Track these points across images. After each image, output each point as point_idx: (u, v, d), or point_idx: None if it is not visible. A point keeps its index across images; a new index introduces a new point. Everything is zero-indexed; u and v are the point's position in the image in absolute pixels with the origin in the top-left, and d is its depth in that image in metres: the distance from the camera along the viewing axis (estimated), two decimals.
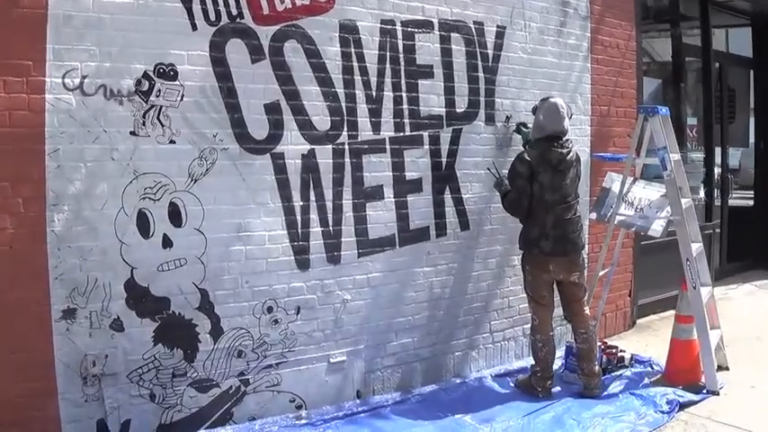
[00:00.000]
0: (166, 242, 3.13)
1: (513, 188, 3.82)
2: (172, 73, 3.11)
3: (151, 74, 3.08)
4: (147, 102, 3.08)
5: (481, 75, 4.36)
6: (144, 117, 3.06)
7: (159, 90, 3.07)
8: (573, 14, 4.75)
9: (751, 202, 7.25)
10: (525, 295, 3.96)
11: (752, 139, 7.55)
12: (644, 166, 4.52)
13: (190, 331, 3.13)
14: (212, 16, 3.22)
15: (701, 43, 6.17)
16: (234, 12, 3.29)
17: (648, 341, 5.06)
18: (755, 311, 5.10)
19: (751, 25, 6.97)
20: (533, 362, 3.98)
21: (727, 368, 4.04)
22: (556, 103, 3.82)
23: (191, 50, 3.15)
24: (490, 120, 4.32)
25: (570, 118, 3.79)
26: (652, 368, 4.36)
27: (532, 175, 3.71)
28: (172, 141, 3.17)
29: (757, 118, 7.29)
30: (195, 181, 3.21)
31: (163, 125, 3.14)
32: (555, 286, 3.93)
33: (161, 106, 3.12)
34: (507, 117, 4.53)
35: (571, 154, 3.78)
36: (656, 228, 4.33)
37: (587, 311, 3.86)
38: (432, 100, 4.00)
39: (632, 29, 5.23)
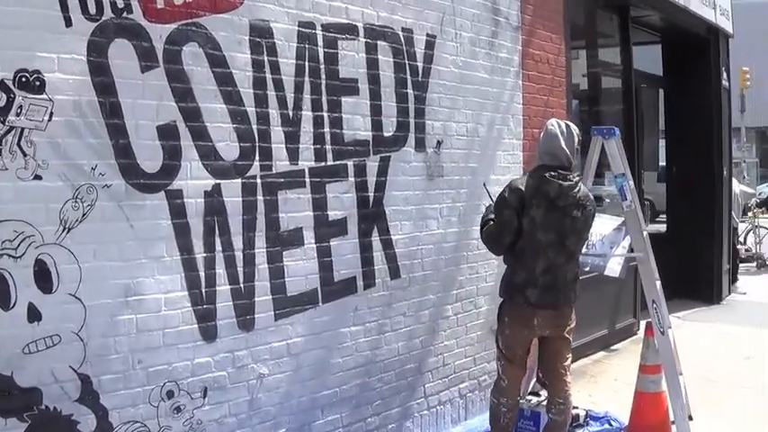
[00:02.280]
0: (33, 314, 2.75)
1: (497, 220, 3.67)
2: (37, 83, 2.68)
3: (9, 84, 2.63)
4: (3, 122, 2.63)
5: (410, 91, 4.40)
6: None
7: (20, 106, 2.63)
8: (504, 24, 4.96)
9: (663, 229, 7.79)
10: (496, 348, 3.83)
11: (661, 162, 8.12)
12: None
13: (69, 430, 2.73)
14: (92, 9, 2.85)
15: (620, 61, 6.55)
16: (120, 3, 2.91)
17: (591, 390, 5.23)
18: (691, 347, 5.41)
19: (661, 42, 7.53)
20: (489, 429, 3.86)
21: (690, 417, 4.16)
22: (554, 124, 3.72)
23: (63, 53, 2.77)
24: (420, 145, 4.38)
25: (578, 145, 3.68)
26: (611, 425, 4.41)
27: (523, 207, 3.58)
28: (37, 177, 2.75)
29: (668, 140, 7.84)
30: (69, 230, 2.84)
31: (25, 154, 2.71)
32: (535, 343, 3.92)
33: (22, 128, 2.68)
34: (438, 142, 4.55)
35: (577, 190, 3.70)
36: (614, 267, 4.45)
37: (569, 377, 3.78)
38: (357, 122, 3.96)
39: (562, 42, 5.48)
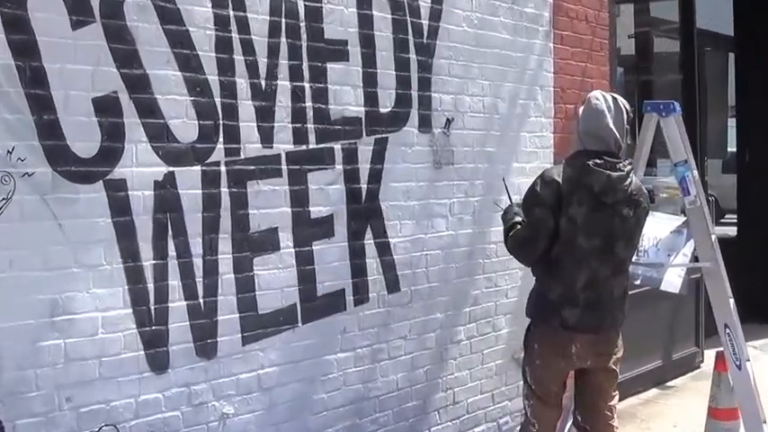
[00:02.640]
0: None
1: (528, 221, 3.68)
2: None
3: None
4: None
5: (413, 56, 4.39)
6: None
7: None
8: None
9: (733, 232, 7.55)
10: (522, 383, 3.85)
11: (730, 148, 7.80)
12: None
13: None
14: None
15: (678, 18, 6.45)
16: None
17: None
18: None
19: None
20: None
21: None
22: (598, 97, 3.72)
23: None
24: (425, 125, 4.47)
25: (627, 124, 3.69)
26: None
27: (560, 204, 3.58)
28: None
29: (739, 119, 7.34)
30: None
31: None
32: (572, 376, 3.89)
33: None
34: (448, 121, 4.59)
35: (628, 182, 3.69)
36: (672, 280, 4.38)
37: (616, 421, 3.77)
38: (346, 94, 4.05)
39: None
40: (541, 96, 5.08)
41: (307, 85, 3.87)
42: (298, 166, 3.85)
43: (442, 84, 4.54)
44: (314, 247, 3.93)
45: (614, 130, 3.59)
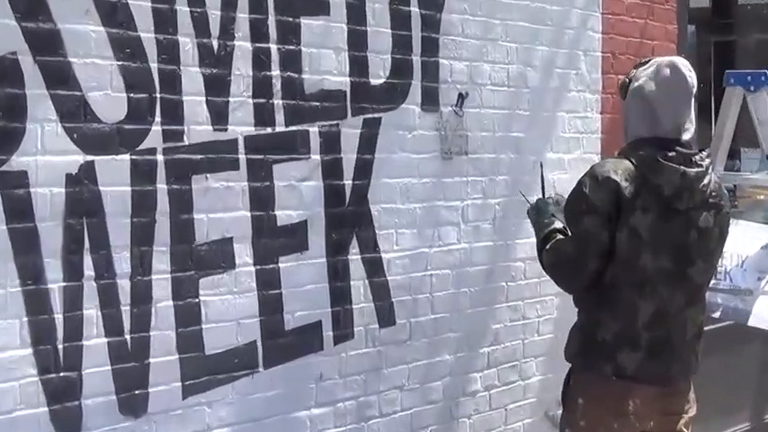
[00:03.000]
0: None
1: (574, 234, 3.65)
2: None
3: None
4: None
5: (415, 10, 4.45)
6: None
7: None
8: None
9: None
10: None
11: None
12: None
13: None
14: None
15: None
16: None
17: None
18: None
19: None
20: None
21: None
22: (670, 65, 3.69)
23: None
24: (431, 101, 4.53)
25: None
26: None
27: (618, 210, 3.56)
28: None
29: None
30: None
31: None
32: None
33: None
34: (461, 96, 4.59)
35: (708, 180, 3.67)
36: (764, 313, 4.32)
37: None
38: (326, 60, 4.10)
39: None
40: (585, 64, 5.08)
41: (273, 46, 3.89)
42: (260, 156, 3.87)
43: (454, 47, 4.53)
44: (281, 265, 3.94)
45: (691, 110, 3.57)
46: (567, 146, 5.01)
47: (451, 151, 4.54)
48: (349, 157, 4.16)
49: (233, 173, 3.77)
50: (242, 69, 3.79)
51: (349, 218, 4.18)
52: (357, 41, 4.16)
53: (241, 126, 3.79)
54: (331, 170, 4.10)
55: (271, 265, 3.89)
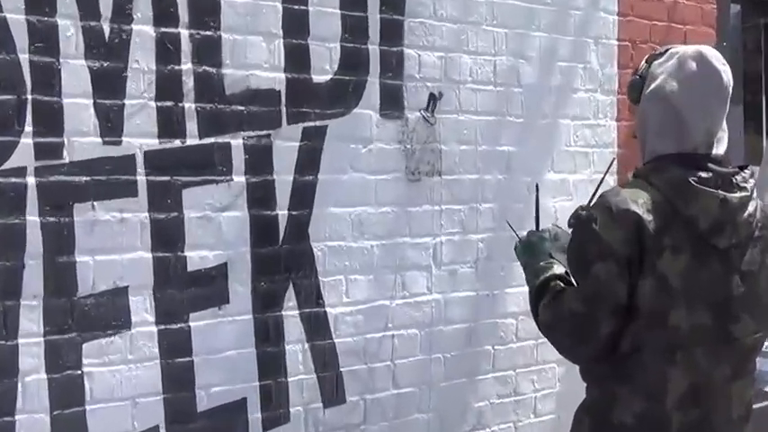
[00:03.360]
0: None
1: (582, 285, 3.55)
2: None
3: None
4: None
5: None
6: None
7: None
8: None
9: None
10: None
11: None
12: None
13: None
14: None
15: None
16: None
17: None
18: None
19: None
20: None
21: None
22: (699, 57, 3.60)
23: None
24: (393, 104, 4.61)
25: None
26: None
27: (641, 253, 3.51)
28: None
29: None
30: None
31: None
32: None
33: None
34: (433, 97, 4.64)
35: (754, 209, 3.59)
36: None
37: None
38: (253, 50, 4.17)
39: None
40: (597, 56, 5.12)
41: (184, 31, 3.92)
42: (166, 178, 3.90)
43: (424, 32, 4.56)
44: (192, 324, 3.96)
45: (723, 114, 3.53)
46: (573, 163, 5.04)
47: (420, 171, 4.55)
48: (284, 179, 4.17)
49: (129, 200, 3.78)
50: (142, 62, 3.80)
51: (284, 260, 4.19)
52: (295, 25, 4.19)
53: (140, 138, 3.80)
54: (260, 196, 4.11)
55: (178, 324, 3.90)
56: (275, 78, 4.15)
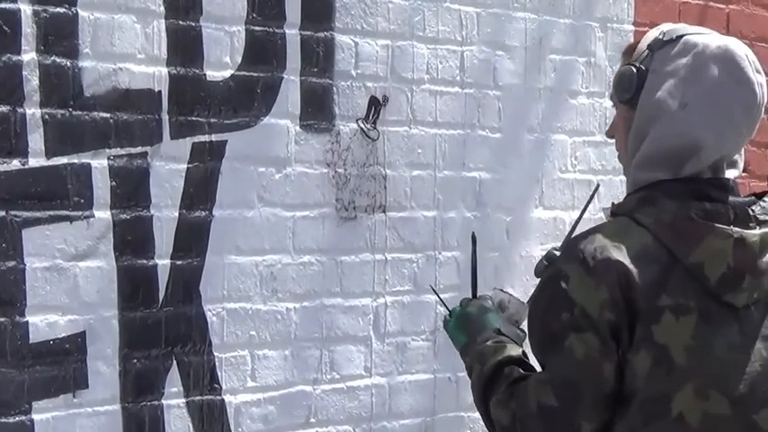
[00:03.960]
0: None
1: (548, 370, 3.57)
2: None
3: None
4: None
5: None
6: None
7: None
8: None
9: None
10: None
11: None
12: None
13: None
14: None
15: None
16: None
17: None
18: None
19: None
20: None
21: None
22: (737, 57, 3.60)
23: None
24: (319, 111, 4.72)
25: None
26: None
27: (631, 318, 3.60)
28: None
29: None
30: None
31: None
32: None
33: None
34: (376, 102, 4.76)
35: None
36: None
37: None
38: (123, 35, 4.28)
39: None
40: (605, 46, 5.26)
41: (25, 7, 4.01)
42: None
43: (363, 12, 4.67)
44: (36, 417, 4.03)
45: (750, 136, 3.61)
46: (570, 195, 5.15)
47: (356, 205, 4.66)
48: (165, 216, 4.26)
49: None
50: None
51: (165, 329, 4.26)
52: (180, 0, 4.27)
53: None
54: (132, 239, 4.19)
55: (17, 417, 3.95)
56: (154, 74, 4.23)
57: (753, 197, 3.65)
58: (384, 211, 4.76)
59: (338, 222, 4.68)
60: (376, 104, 4.71)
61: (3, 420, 3.96)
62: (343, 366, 4.65)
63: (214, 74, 4.40)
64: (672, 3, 5.46)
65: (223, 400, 4.42)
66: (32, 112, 4.02)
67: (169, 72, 4.29)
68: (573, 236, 3.70)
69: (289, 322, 4.57)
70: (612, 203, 3.66)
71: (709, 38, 3.55)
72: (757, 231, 3.54)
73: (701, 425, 3.56)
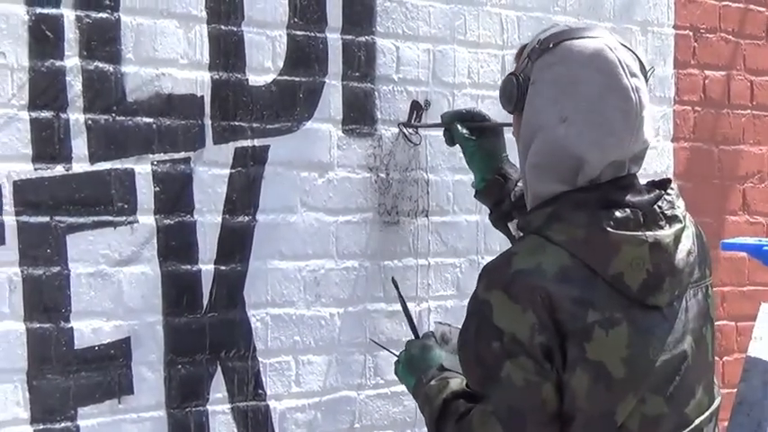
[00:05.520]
0: None
1: (489, 401, 3.58)
2: None
3: None
4: None
5: None
6: None
7: None
8: None
9: None
10: None
11: None
12: None
13: None
14: None
15: None
16: None
17: None
18: None
19: None
20: None
21: None
22: (616, 66, 3.59)
23: None
24: (360, 115, 4.72)
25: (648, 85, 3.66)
26: None
27: (562, 338, 3.64)
28: None
29: None
30: None
31: None
32: None
33: None
34: (417, 106, 4.74)
35: (690, 241, 3.73)
36: None
37: None
38: (164, 39, 4.28)
39: None
40: (645, 49, 5.23)
41: (68, 13, 4.00)
42: (44, 219, 3.95)
43: (404, 16, 4.66)
44: (82, 423, 4.04)
45: (639, 140, 3.63)
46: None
47: (399, 210, 4.65)
48: (209, 221, 4.26)
49: None
50: (9, 56, 3.85)
51: (209, 334, 4.25)
52: (224, 5, 4.27)
53: (7, 163, 3.86)
54: (176, 245, 4.18)
55: (62, 424, 3.94)
56: (196, 79, 4.22)
57: (657, 191, 3.70)
58: (427, 216, 4.75)
59: (381, 227, 4.66)
60: (418, 109, 4.70)
61: (49, 427, 3.95)
62: (388, 371, 4.57)
63: (256, 79, 4.38)
64: (712, 5, 5.46)
65: (268, 405, 4.40)
66: (76, 117, 4.00)
67: (211, 77, 4.28)
68: (489, 262, 3.75)
69: (332, 327, 4.56)
70: (520, 217, 3.85)
71: (585, 42, 3.65)
72: (669, 231, 3.60)
73: (640, 428, 3.62)
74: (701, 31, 5.40)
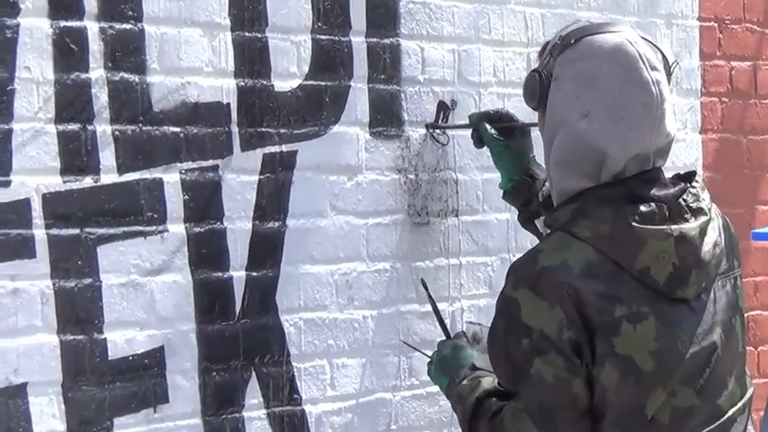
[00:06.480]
0: None
1: (520, 399, 3.69)
2: None
3: None
4: None
5: None
6: None
7: None
8: None
9: None
10: None
11: None
12: None
13: None
14: None
15: None
16: None
17: None
18: None
19: None
20: None
21: None
22: (637, 61, 3.57)
23: None
24: (387, 117, 4.71)
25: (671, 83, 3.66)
26: None
27: (590, 333, 3.67)
28: None
29: None
30: None
31: None
32: None
33: None
34: (444, 107, 4.74)
35: (716, 233, 3.72)
36: None
37: None
38: (189, 47, 4.30)
39: None
40: (671, 41, 5.22)
41: (92, 25, 3.99)
42: (74, 231, 3.97)
43: (429, 16, 4.65)
44: None
45: (654, 120, 3.61)
46: None
47: (429, 210, 4.64)
48: (239, 227, 4.25)
49: (24, 263, 3.81)
50: (35, 69, 3.84)
51: (243, 340, 4.24)
52: (248, 11, 4.26)
53: (36, 176, 3.85)
54: (206, 253, 4.18)
55: None
56: (222, 87, 4.21)
57: (682, 184, 3.70)
58: (457, 216, 4.74)
59: (411, 228, 4.65)
60: (445, 109, 4.69)
61: None
62: (422, 372, 4.53)
63: (282, 84, 4.38)
64: None
65: (303, 410, 4.40)
66: (103, 129, 4.00)
67: (237, 84, 4.27)
68: (516, 260, 3.80)
69: (366, 330, 4.55)
70: (547, 214, 3.86)
71: (606, 37, 3.66)
72: (694, 224, 3.60)
73: (671, 421, 3.62)
74: (726, 22, 5.37)
